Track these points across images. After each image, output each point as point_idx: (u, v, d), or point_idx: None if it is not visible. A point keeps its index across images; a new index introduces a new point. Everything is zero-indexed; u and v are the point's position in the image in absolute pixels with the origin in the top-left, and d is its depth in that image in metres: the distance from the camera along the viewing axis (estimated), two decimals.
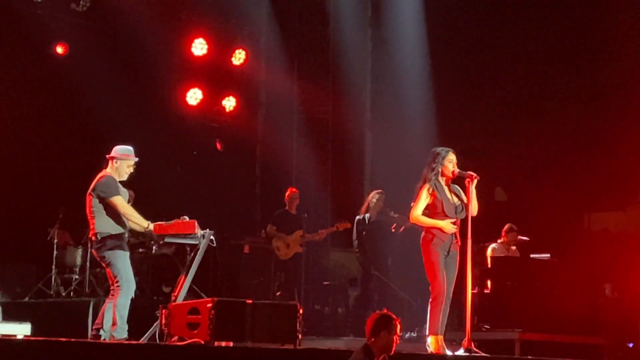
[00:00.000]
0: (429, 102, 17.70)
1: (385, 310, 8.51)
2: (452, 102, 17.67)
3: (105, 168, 11.01)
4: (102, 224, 10.70)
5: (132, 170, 11.05)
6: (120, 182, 10.89)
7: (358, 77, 19.33)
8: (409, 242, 14.05)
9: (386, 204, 15.38)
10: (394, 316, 8.41)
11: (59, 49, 16.47)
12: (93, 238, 10.74)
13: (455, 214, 10.87)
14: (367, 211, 15.46)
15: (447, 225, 10.80)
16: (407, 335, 13.41)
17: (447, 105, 17.51)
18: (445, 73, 17.79)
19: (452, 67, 17.98)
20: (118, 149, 11.06)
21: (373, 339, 8.27)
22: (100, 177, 10.85)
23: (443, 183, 10.92)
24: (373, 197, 15.48)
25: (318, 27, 19.54)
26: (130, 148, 11.10)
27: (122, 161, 10.96)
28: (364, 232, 15.38)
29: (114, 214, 10.70)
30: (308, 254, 15.58)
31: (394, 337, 8.30)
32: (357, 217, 15.54)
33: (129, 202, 10.99)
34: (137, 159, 11.05)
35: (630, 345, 14.24)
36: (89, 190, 10.80)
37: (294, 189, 15.99)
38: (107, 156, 11.04)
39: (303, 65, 19.47)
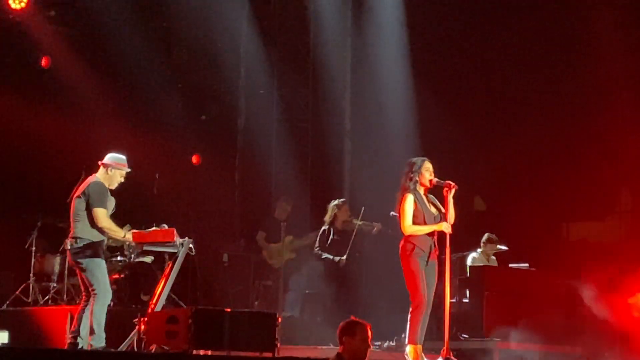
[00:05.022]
0: (409, 110, 17.72)
1: (352, 317, 8.55)
2: (432, 111, 17.69)
3: (96, 173, 10.90)
4: (85, 230, 10.61)
5: (122, 180, 10.93)
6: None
7: (338, 86, 19.31)
8: (383, 250, 14.04)
9: (351, 212, 15.21)
10: (363, 322, 8.42)
11: (42, 62, 16.33)
12: (72, 242, 10.66)
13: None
14: (332, 222, 15.21)
15: (442, 225, 10.80)
16: (385, 344, 13.39)
17: (426, 114, 17.53)
18: (425, 82, 17.81)
19: (431, 76, 18.00)
20: (112, 157, 10.87)
21: (342, 347, 8.35)
22: (92, 182, 10.73)
23: (422, 193, 10.93)
24: (334, 208, 15.10)
25: (298, 36, 19.52)
26: (124, 157, 10.96)
27: (116, 170, 10.85)
28: (328, 244, 15.00)
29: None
30: (287, 262, 15.48)
31: (365, 343, 8.32)
32: (323, 228, 15.20)
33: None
34: (129, 170, 10.95)
35: (607, 354, 14.28)
36: (78, 193, 10.70)
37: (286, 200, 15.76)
38: (99, 162, 10.93)
39: (283, 74, 19.45)
